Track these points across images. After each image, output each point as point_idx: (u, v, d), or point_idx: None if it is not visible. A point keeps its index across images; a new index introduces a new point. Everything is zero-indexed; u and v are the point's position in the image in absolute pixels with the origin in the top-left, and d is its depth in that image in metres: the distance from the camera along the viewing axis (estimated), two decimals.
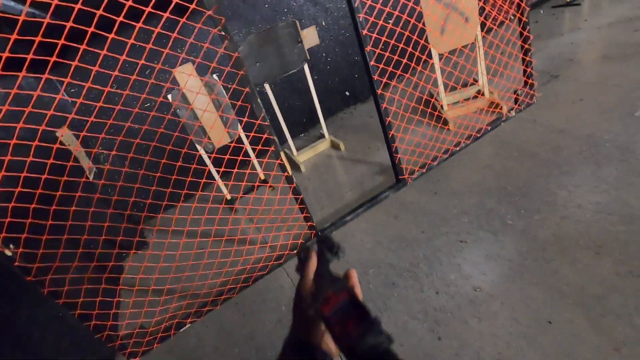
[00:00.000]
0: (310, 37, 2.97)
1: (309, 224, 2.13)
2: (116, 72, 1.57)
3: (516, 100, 2.66)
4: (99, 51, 1.44)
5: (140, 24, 1.39)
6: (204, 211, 2.59)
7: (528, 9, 2.38)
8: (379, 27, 2.26)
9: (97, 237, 1.91)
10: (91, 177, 2.86)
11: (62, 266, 1.60)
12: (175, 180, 1.95)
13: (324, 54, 3.81)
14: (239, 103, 1.76)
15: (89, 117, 1.70)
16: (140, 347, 1.89)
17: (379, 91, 2.05)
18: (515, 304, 1.49)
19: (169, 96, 2.49)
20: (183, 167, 2.00)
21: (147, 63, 1.56)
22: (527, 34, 2.40)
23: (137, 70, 1.58)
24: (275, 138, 1.87)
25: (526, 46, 2.45)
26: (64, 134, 2.52)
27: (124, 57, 1.46)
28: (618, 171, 1.88)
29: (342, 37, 3.80)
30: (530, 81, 2.61)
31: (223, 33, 1.55)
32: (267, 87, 2.93)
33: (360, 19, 1.84)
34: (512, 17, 4.16)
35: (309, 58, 2.97)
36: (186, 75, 2.30)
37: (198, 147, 2.66)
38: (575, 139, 2.22)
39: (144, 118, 2.86)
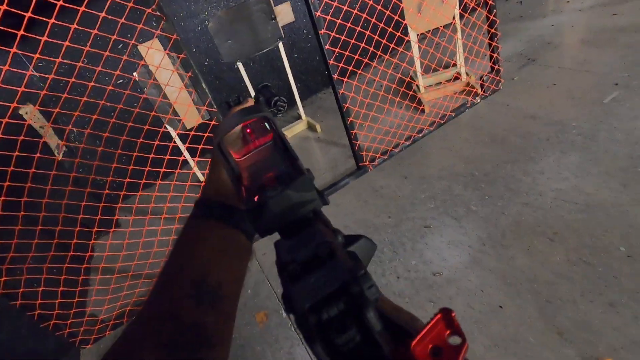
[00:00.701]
0: (284, 13, 2.85)
1: None
2: (87, 47, 1.48)
3: (482, 86, 2.65)
4: (69, 25, 1.36)
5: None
6: (179, 197, 2.55)
7: None
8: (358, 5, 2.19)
9: (57, 215, 1.86)
10: (60, 156, 2.77)
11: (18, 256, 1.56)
12: (146, 160, 1.92)
13: (304, 31, 3.70)
14: (182, 87, 1.69)
15: (61, 94, 1.63)
16: (92, 335, 1.89)
17: (335, 76, 2.01)
18: (471, 290, 1.53)
19: (135, 73, 2.39)
20: (157, 146, 1.97)
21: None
22: (494, 18, 2.36)
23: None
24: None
25: (492, 31, 2.41)
26: (29, 111, 2.41)
27: (95, 31, 1.39)
28: (580, 159, 1.91)
29: None
30: (496, 67, 2.58)
31: (158, 13, 1.46)
32: (239, 65, 2.84)
33: (312, 1, 1.76)
34: None
35: (283, 36, 2.87)
36: (151, 51, 2.20)
37: (169, 127, 2.59)
38: (545, 125, 2.23)
39: (118, 96, 2.75)
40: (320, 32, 1.82)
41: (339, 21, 2.03)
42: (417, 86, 3.00)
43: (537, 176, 1.91)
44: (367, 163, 2.38)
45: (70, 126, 2.71)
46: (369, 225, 2.02)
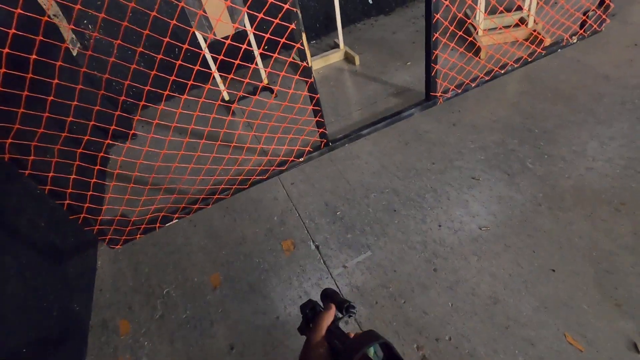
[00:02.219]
0: None
1: (320, 130, 1.95)
2: None
3: (582, 25, 2.30)
4: None
5: None
6: (196, 107, 2.36)
7: None
8: None
9: (81, 119, 1.69)
10: (74, 53, 2.53)
11: (40, 146, 1.41)
12: (165, 69, 1.66)
13: None
14: None
15: None
16: (122, 236, 1.82)
17: None
18: (521, 248, 1.43)
19: None
20: (185, 53, 1.68)
21: None
22: None
23: None
24: (298, 11, 1.55)
25: None
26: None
27: None
28: None
29: None
30: (607, 1, 2.21)
31: None
32: None
33: None
34: None
35: None
36: None
37: (197, 33, 2.31)
38: (620, 87, 1.99)
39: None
40: None
41: None
42: (477, 30, 2.67)
43: (606, 141, 1.73)
44: (439, 94, 2.14)
45: (78, 9, 2.43)
46: (410, 169, 1.88)
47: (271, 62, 2.99)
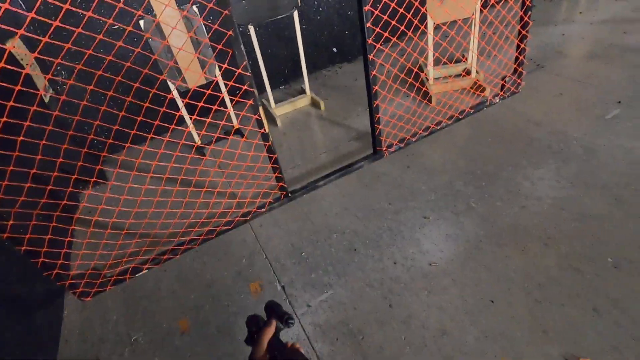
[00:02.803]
0: None
1: (280, 184, 2.10)
2: None
3: (502, 87, 2.66)
4: None
5: None
6: (170, 156, 2.47)
7: None
8: None
9: (50, 163, 1.75)
10: (46, 100, 2.60)
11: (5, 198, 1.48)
12: (142, 120, 1.78)
13: (315, 2, 3.56)
14: (220, 47, 1.59)
15: (43, 36, 1.44)
16: (93, 288, 1.85)
17: (371, 57, 1.95)
18: (465, 282, 1.59)
19: (141, 22, 2.24)
20: (151, 107, 1.83)
21: None
22: (528, 20, 2.34)
23: None
24: (256, 91, 1.75)
25: (523, 32, 2.40)
26: (16, 45, 2.23)
27: None
28: (579, 170, 1.98)
29: None
30: (520, 69, 2.59)
31: None
32: (251, 29, 2.72)
33: None
34: None
35: (299, 4, 2.76)
36: (162, 4, 2.05)
37: (171, 86, 2.47)
38: (549, 133, 2.28)
39: (110, 47, 2.58)
40: (364, 8, 1.75)
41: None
42: (426, 77, 2.98)
43: (536, 181, 1.98)
44: (385, 148, 2.36)
45: (58, 62, 2.53)
46: (370, 210, 2.04)
47: (245, 108, 3.17)
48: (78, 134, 2.66)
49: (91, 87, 1.58)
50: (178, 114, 2.04)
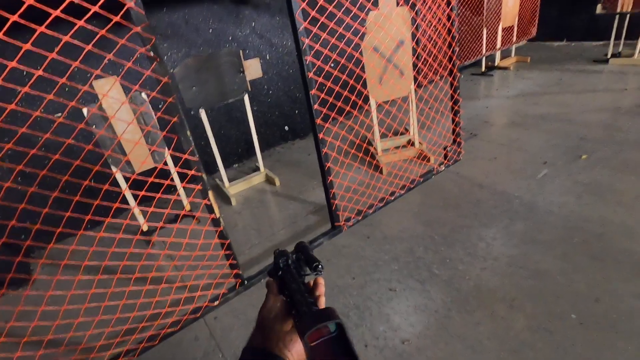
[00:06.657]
0: (253, 68, 2.92)
1: (234, 271, 1.94)
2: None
3: (445, 156, 2.88)
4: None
5: (42, 28, 1.18)
6: (112, 242, 2.24)
7: (459, 74, 2.64)
8: (324, 72, 2.28)
9: None
10: None
11: None
12: (76, 203, 1.60)
13: (265, 86, 3.79)
14: (164, 133, 1.56)
15: None
16: None
17: (321, 135, 2.04)
18: (441, 358, 1.49)
19: (84, 110, 2.19)
20: (90, 188, 1.68)
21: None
22: (457, 97, 2.64)
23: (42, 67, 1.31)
24: (204, 175, 1.70)
25: (456, 107, 2.69)
26: None
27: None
28: (525, 227, 2.08)
29: (285, 73, 3.83)
30: (458, 139, 2.84)
31: (152, 54, 1.40)
32: (202, 112, 2.77)
33: (307, 62, 1.83)
34: (441, 77, 4.63)
35: (250, 89, 2.90)
36: (107, 88, 2.05)
37: (114, 167, 2.35)
38: (492, 193, 2.44)
39: (45, 125, 2.47)
40: (311, 92, 1.86)
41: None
42: (375, 150, 3.16)
43: (490, 242, 2.04)
44: (343, 223, 2.34)
45: None
46: (333, 287, 1.94)
47: (194, 192, 3.07)
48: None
49: (20, 166, 1.41)
50: (114, 205, 1.88)
